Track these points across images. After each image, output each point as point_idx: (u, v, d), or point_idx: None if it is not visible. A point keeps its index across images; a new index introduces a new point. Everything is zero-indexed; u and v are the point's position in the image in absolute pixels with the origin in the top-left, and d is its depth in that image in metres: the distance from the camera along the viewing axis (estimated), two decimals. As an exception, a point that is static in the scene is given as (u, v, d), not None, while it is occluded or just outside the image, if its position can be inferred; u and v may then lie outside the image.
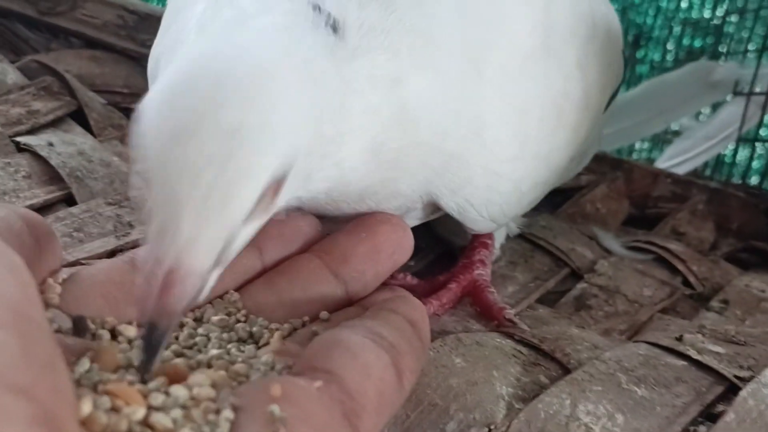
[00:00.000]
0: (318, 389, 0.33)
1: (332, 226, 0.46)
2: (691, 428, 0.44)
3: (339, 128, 0.40)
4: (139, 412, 0.30)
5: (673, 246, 0.67)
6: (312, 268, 0.43)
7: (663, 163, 0.89)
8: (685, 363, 0.49)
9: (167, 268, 0.32)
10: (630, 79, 0.99)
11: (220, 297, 0.41)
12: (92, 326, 0.36)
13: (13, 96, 0.65)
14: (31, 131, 0.63)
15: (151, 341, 0.33)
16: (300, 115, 0.36)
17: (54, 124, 0.64)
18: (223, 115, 0.32)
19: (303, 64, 0.37)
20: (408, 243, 0.45)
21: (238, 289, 0.42)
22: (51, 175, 0.59)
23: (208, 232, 0.32)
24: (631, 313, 0.57)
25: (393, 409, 0.36)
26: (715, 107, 0.94)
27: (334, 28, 0.40)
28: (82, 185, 0.58)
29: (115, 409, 0.31)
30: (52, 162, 0.59)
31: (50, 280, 0.37)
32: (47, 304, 0.36)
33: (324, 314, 0.41)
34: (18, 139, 0.61)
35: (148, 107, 0.33)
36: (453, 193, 0.48)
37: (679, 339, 0.52)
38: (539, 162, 0.52)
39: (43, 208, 0.56)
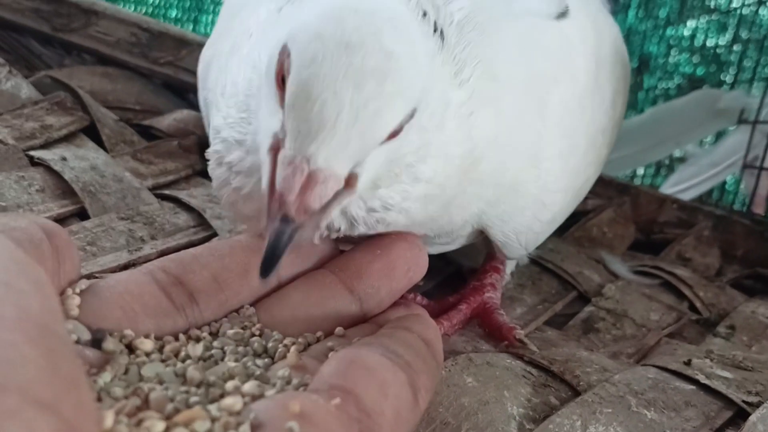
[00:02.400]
0: (336, 407, 0.33)
1: (347, 245, 0.46)
2: (701, 453, 0.44)
3: (434, 141, 0.42)
4: (159, 426, 0.30)
5: (680, 271, 0.68)
6: (327, 283, 0.43)
7: (668, 189, 0.90)
8: (693, 387, 0.49)
9: (314, 167, 0.35)
10: (633, 105, 1.00)
11: (236, 311, 0.41)
12: (110, 339, 0.36)
13: (26, 110, 0.66)
14: (44, 146, 0.63)
15: (280, 239, 0.35)
16: (424, 69, 0.38)
17: (67, 139, 0.65)
18: (382, 37, 0.36)
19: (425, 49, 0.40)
20: (423, 261, 0.46)
21: (253, 305, 0.42)
22: (64, 189, 0.59)
23: (358, 139, 0.35)
24: (638, 337, 0.58)
25: (409, 427, 0.36)
26: (720, 135, 0.95)
27: (441, 36, 0.43)
28: (94, 200, 0.58)
29: (136, 423, 0.31)
30: (66, 176, 0.59)
31: (69, 291, 0.37)
32: (66, 315, 0.36)
33: (339, 330, 0.41)
34: (32, 153, 0.61)
35: (304, 30, 0.36)
36: (503, 223, 0.49)
37: (688, 363, 0.52)
38: (576, 195, 0.54)
39: (56, 222, 0.56)
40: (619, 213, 0.75)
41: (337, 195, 0.36)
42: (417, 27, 0.40)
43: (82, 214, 0.58)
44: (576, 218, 0.73)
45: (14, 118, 0.64)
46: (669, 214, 0.77)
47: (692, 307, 0.64)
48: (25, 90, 0.68)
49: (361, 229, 0.43)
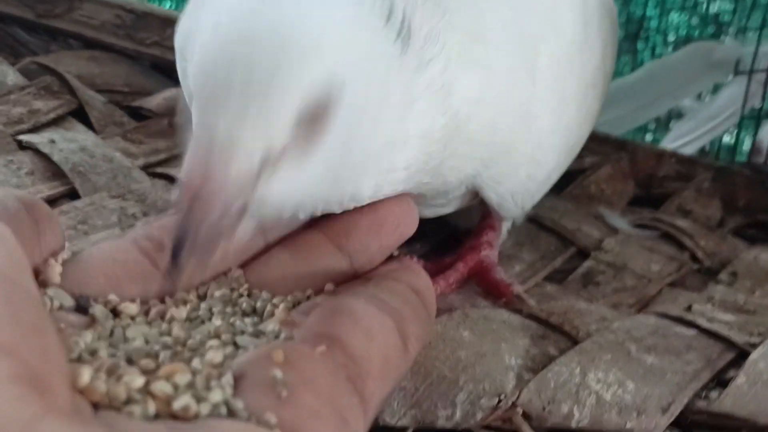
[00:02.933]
0: (321, 354, 0.32)
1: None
2: (702, 393, 0.44)
3: (398, 132, 0.41)
4: (138, 380, 0.30)
5: (680, 222, 0.67)
6: (315, 242, 0.42)
7: (667, 144, 0.89)
8: (694, 332, 0.49)
9: (206, 163, 0.32)
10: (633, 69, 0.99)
11: (224, 275, 0.41)
12: (94, 304, 0.36)
13: (13, 96, 0.65)
14: (32, 130, 0.63)
15: (182, 238, 0.33)
16: (348, 51, 0.36)
17: (55, 122, 0.64)
18: (275, 22, 0.34)
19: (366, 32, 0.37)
20: (412, 216, 0.45)
21: (241, 267, 0.41)
22: (54, 171, 0.59)
23: (245, 134, 0.33)
24: (639, 288, 0.57)
25: (398, 374, 0.36)
26: (717, 87, 0.94)
27: (407, 35, 0.40)
28: (85, 180, 0.58)
29: (116, 379, 0.30)
30: (55, 158, 0.59)
31: (52, 260, 0.37)
32: (48, 283, 0.36)
33: (329, 286, 0.41)
34: (20, 137, 0.61)
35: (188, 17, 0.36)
36: (497, 184, 0.48)
37: (689, 309, 0.51)
38: (569, 151, 0.53)
39: (46, 203, 0.56)
40: (617, 169, 0.75)
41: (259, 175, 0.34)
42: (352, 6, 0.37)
43: (74, 195, 0.58)
44: (573, 176, 0.72)
45: (1, 104, 0.64)
46: (668, 168, 0.76)
47: (694, 258, 0.63)
48: (11, 77, 0.68)
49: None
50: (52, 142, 0.61)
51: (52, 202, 0.56)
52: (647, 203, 0.74)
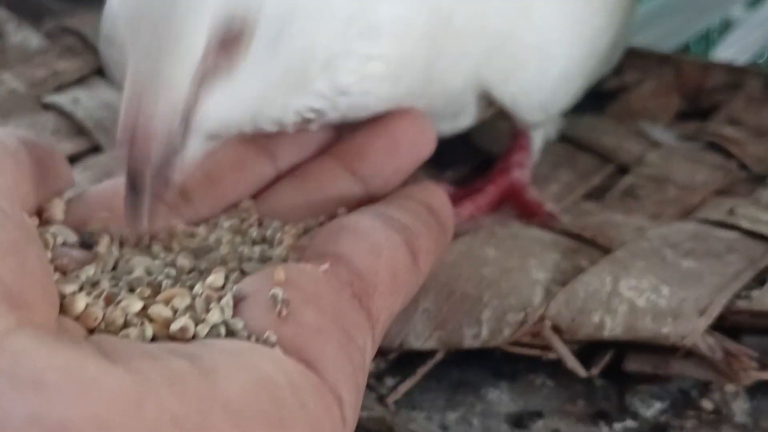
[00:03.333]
0: (325, 272, 0.32)
1: (348, 129, 0.45)
2: (744, 293, 0.42)
3: (355, 14, 0.39)
4: (136, 305, 0.30)
5: (728, 131, 0.64)
6: (327, 168, 0.41)
7: (720, 53, 0.86)
8: (737, 234, 0.47)
9: (139, 106, 0.32)
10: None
11: (234, 206, 0.40)
12: (99, 240, 0.36)
13: (37, 59, 0.66)
14: (56, 90, 0.63)
15: (132, 185, 0.33)
16: None
17: (79, 82, 0.64)
18: None
19: None
20: (429, 135, 0.43)
21: (252, 198, 0.41)
22: (78, 128, 0.59)
23: (163, 69, 0.32)
24: (682, 198, 0.55)
25: (408, 289, 0.35)
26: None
27: None
28: (108, 135, 0.58)
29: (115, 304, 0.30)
30: (78, 116, 0.59)
31: (56, 198, 0.37)
32: (52, 221, 0.36)
33: (342, 210, 0.40)
34: (44, 99, 0.61)
35: None
36: (506, 81, 0.46)
37: (731, 213, 0.49)
38: (585, 46, 0.51)
39: (72, 160, 0.56)
40: (661, 83, 0.72)
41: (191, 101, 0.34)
42: None
43: (99, 150, 0.58)
44: (614, 94, 0.70)
45: (25, 68, 0.64)
46: (716, 79, 0.73)
47: (742, 165, 0.60)
48: (36, 41, 0.68)
49: (336, 115, 0.41)
50: (76, 100, 0.61)
51: (77, 158, 0.56)
52: (696, 117, 0.72)
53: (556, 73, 0.49)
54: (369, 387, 0.41)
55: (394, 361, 0.43)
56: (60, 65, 0.65)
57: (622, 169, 0.59)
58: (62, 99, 0.61)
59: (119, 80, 0.34)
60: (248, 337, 0.28)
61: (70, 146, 0.57)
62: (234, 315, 0.30)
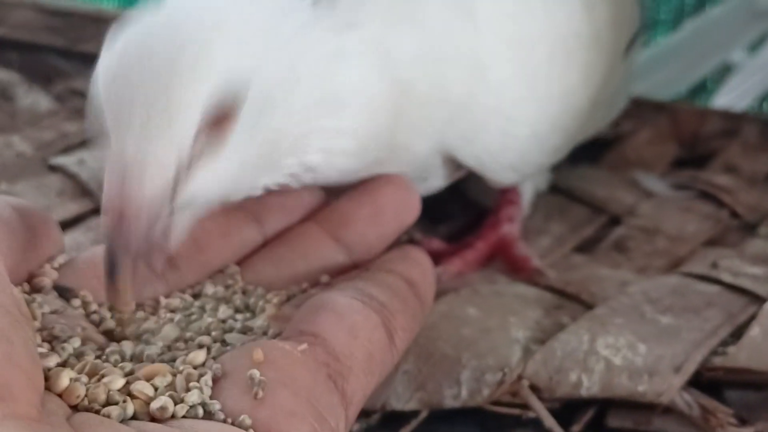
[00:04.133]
0: (302, 352, 0.33)
1: (334, 195, 0.46)
2: (720, 349, 0.42)
3: (325, 94, 0.40)
4: (119, 381, 0.31)
5: (720, 179, 0.65)
6: (311, 235, 0.42)
7: (721, 99, 0.86)
8: (718, 288, 0.47)
9: (119, 186, 0.33)
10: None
11: (221, 272, 0.41)
12: (77, 298, 0.37)
13: (45, 122, 0.67)
14: (63, 152, 0.64)
15: (110, 264, 0.34)
16: (249, 47, 0.36)
17: (86, 143, 0.66)
18: (164, 33, 0.34)
19: (267, 14, 0.38)
20: (413, 202, 0.44)
21: (239, 263, 0.42)
22: (83, 189, 0.60)
23: (154, 143, 0.33)
24: (671, 249, 0.55)
25: (384, 369, 0.36)
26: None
27: None
28: (112, 196, 0.59)
29: (97, 380, 0.31)
30: (82, 177, 0.60)
31: (47, 266, 0.38)
32: (41, 288, 0.37)
33: (324, 278, 0.41)
34: (50, 160, 0.63)
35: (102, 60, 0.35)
36: (469, 142, 0.47)
37: (714, 266, 0.50)
38: (554, 103, 0.50)
39: (76, 220, 0.57)
40: (656, 131, 0.72)
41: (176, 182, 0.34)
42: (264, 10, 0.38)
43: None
44: (610, 143, 0.71)
45: (34, 131, 0.66)
46: (713, 126, 0.74)
47: (734, 214, 0.61)
48: (45, 103, 0.70)
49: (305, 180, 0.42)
50: (81, 162, 0.62)
51: (80, 218, 0.58)
52: (693, 164, 0.72)
53: (523, 134, 0.48)
54: (357, 446, 0.42)
55: (383, 419, 0.43)
56: (67, 127, 0.67)
57: (615, 220, 0.60)
58: (68, 160, 0.62)
59: (98, 142, 0.35)
60: (224, 420, 0.30)
61: (74, 207, 0.58)
62: (213, 394, 0.31)
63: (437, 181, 0.49)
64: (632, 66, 0.63)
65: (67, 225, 0.56)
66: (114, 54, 0.35)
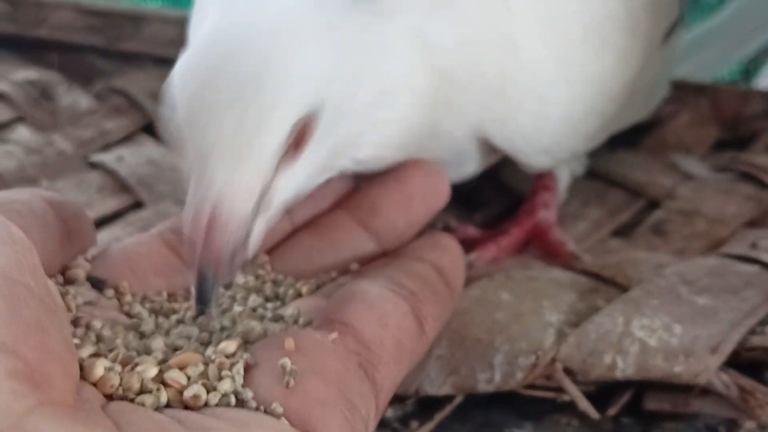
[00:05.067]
0: (333, 341, 0.33)
1: (363, 181, 0.46)
2: (758, 329, 0.42)
3: (380, 89, 0.41)
4: (152, 370, 0.31)
5: (762, 160, 0.63)
6: (341, 223, 0.43)
7: (763, 80, 0.85)
8: (757, 268, 0.47)
9: (207, 215, 0.34)
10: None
11: (251, 261, 0.41)
12: (110, 289, 0.38)
13: (85, 120, 0.69)
14: (103, 149, 0.65)
15: (202, 291, 0.34)
16: (322, 64, 0.37)
17: (126, 140, 0.67)
18: (244, 61, 0.35)
19: (325, 22, 0.38)
20: (442, 187, 0.44)
21: (268, 253, 0.42)
22: (122, 185, 0.61)
23: (241, 171, 0.34)
24: (710, 231, 0.54)
25: (414, 356, 0.36)
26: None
27: None
28: (151, 191, 0.60)
29: (130, 368, 0.32)
30: (121, 173, 0.61)
31: (80, 257, 0.38)
32: (74, 280, 0.37)
33: (354, 266, 0.41)
34: (90, 158, 0.64)
35: (177, 70, 0.36)
36: (503, 125, 0.47)
37: (754, 246, 0.49)
38: (588, 87, 0.50)
39: (115, 216, 0.58)
40: (696, 114, 0.71)
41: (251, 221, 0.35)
42: (320, 17, 0.38)
43: (142, 206, 0.60)
44: (649, 127, 0.70)
45: (74, 129, 0.67)
46: (755, 107, 0.72)
47: (777, 195, 0.60)
48: (85, 102, 0.71)
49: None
50: (120, 158, 0.63)
51: (119, 214, 0.59)
52: (735, 146, 0.71)
53: (556, 116, 0.48)
54: (394, 431, 0.42)
55: (419, 405, 0.44)
56: (107, 125, 0.68)
57: (653, 204, 0.59)
58: (107, 158, 0.64)
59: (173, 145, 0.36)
60: (256, 408, 0.30)
61: (113, 203, 0.59)
62: (244, 383, 0.31)
63: (472, 166, 0.49)
64: (672, 55, 0.62)
65: (106, 220, 0.57)
66: (192, 74, 0.35)
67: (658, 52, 0.57)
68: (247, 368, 0.32)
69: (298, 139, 0.36)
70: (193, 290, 0.35)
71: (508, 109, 0.46)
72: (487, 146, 0.48)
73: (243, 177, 0.34)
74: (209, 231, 0.34)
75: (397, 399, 0.42)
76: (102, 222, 0.56)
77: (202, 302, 0.35)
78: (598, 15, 0.49)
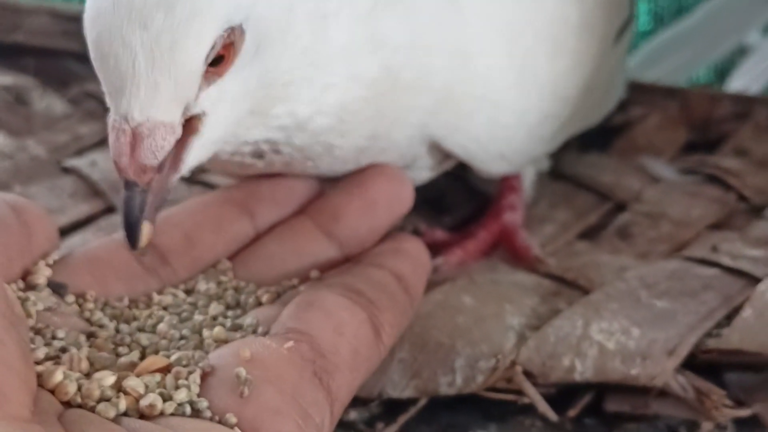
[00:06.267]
0: (288, 350, 0.33)
1: (328, 186, 0.46)
2: (715, 332, 0.43)
3: (319, 50, 0.40)
4: (110, 378, 0.32)
5: (728, 162, 0.64)
6: (303, 229, 0.43)
7: (734, 82, 0.86)
8: (717, 271, 0.47)
9: (133, 124, 0.34)
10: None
11: (213, 267, 0.42)
12: (70, 295, 0.38)
13: (60, 125, 0.69)
14: (76, 154, 0.66)
15: (131, 205, 0.35)
16: None
17: (100, 144, 0.67)
18: None
19: None
20: (406, 193, 0.45)
21: (231, 258, 0.42)
22: (95, 190, 0.61)
23: (168, 80, 0.33)
24: (675, 234, 0.55)
25: (371, 364, 0.37)
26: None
27: None
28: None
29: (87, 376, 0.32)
30: (94, 178, 0.62)
31: (41, 262, 0.38)
32: (35, 285, 0.37)
33: (314, 273, 0.41)
34: (64, 163, 0.64)
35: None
36: (454, 131, 0.47)
37: (715, 249, 0.50)
38: (543, 91, 0.50)
39: (88, 221, 0.59)
40: (666, 117, 0.72)
41: (182, 141, 0.35)
42: None
43: (113, 211, 0.60)
44: (619, 130, 0.71)
45: (48, 134, 0.67)
46: (723, 109, 0.73)
47: (742, 197, 0.61)
48: (59, 107, 0.72)
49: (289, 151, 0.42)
50: (94, 163, 0.64)
51: (92, 219, 0.59)
52: (705, 148, 0.72)
53: (511, 122, 0.48)
54: (359, 432, 0.43)
55: (385, 406, 0.44)
56: (81, 129, 0.68)
57: (621, 207, 0.60)
58: (81, 162, 0.64)
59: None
60: (211, 418, 0.31)
61: (86, 208, 0.60)
62: (200, 392, 0.31)
63: (423, 171, 0.49)
64: (624, 54, 0.63)
65: (78, 225, 0.57)
66: (103, 5, 0.34)
67: (611, 51, 0.58)
68: (204, 377, 0.32)
69: (224, 54, 0.35)
70: (121, 217, 0.35)
71: (458, 116, 0.46)
72: (440, 152, 0.48)
73: (163, 91, 0.34)
74: (133, 149, 0.34)
75: (362, 401, 0.42)
76: (74, 227, 0.57)
77: (130, 226, 0.35)
78: (551, 18, 0.50)
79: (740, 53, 0.91)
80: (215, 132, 0.37)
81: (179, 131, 0.35)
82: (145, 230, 0.35)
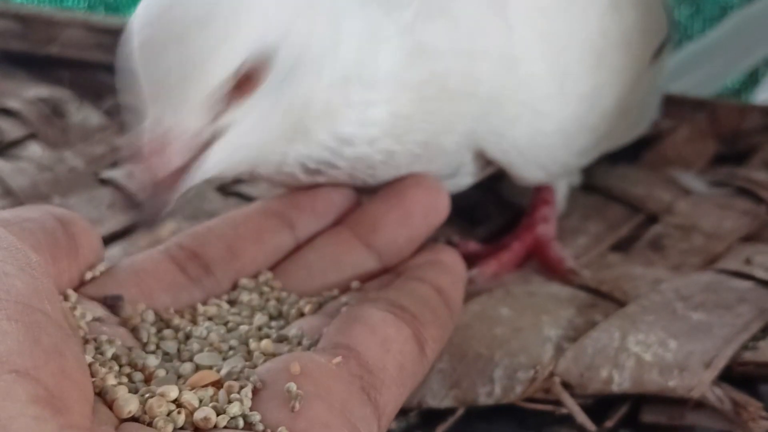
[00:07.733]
0: (337, 365, 0.34)
1: (365, 196, 0.47)
2: (751, 344, 0.43)
3: (364, 72, 0.42)
4: (174, 392, 0.32)
5: (759, 175, 0.65)
6: (342, 240, 0.44)
7: (762, 94, 0.86)
8: (751, 284, 0.48)
9: (153, 141, 0.36)
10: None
11: (255, 278, 0.43)
12: (128, 308, 0.39)
13: (96, 136, 0.70)
14: (114, 165, 0.67)
15: (152, 203, 0.37)
16: (281, 9, 0.38)
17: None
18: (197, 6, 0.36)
19: None
20: (442, 203, 0.45)
21: (272, 269, 0.43)
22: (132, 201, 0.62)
23: (193, 90, 0.36)
24: (707, 247, 0.55)
25: (416, 379, 0.37)
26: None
27: None
28: (160, 207, 0.61)
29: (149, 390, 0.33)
30: (131, 189, 0.62)
31: (88, 274, 0.39)
32: (84, 296, 0.38)
33: (355, 284, 0.42)
34: (101, 174, 0.65)
35: (136, 12, 0.37)
36: (499, 138, 0.48)
37: (748, 261, 0.50)
38: (583, 102, 0.51)
39: (126, 232, 0.59)
40: (695, 129, 0.72)
41: (203, 150, 0.37)
42: None
43: (152, 222, 0.61)
44: (648, 142, 0.71)
45: (85, 146, 0.68)
46: (753, 121, 0.73)
47: (773, 209, 0.61)
48: (95, 119, 0.73)
49: (345, 166, 0.44)
50: (132, 174, 0.64)
51: (130, 230, 0.60)
52: (734, 160, 0.72)
53: (550, 130, 0.49)
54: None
55: (422, 417, 0.45)
56: (117, 141, 0.69)
57: (652, 219, 0.60)
58: (118, 173, 0.65)
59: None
60: (263, 431, 0.31)
61: (124, 219, 0.60)
62: (252, 405, 0.32)
63: (466, 178, 0.50)
64: (661, 74, 0.63)
65: (117, 236, 0.58)
66: (147, 20, 0.36)
67: (649, 70, 0.58)
68: (255, 391, 0.33)
69: (249, 77, 0.37)
70: (136, 214, 0.38)
71: (503, 122, 0.47)
72: (482, 159, 0.49)
73: (191, 101, 0.36)
74: (152, 154, 0.36)
75: (401, 411, 0.42)
76: (113, 238, 0.58)
77: (147, 224, 0.38)
78: (593, 31, 0.51)
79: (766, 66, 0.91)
80: (236, 148, 0.39)
81: (202, 140, 0.37)
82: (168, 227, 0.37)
